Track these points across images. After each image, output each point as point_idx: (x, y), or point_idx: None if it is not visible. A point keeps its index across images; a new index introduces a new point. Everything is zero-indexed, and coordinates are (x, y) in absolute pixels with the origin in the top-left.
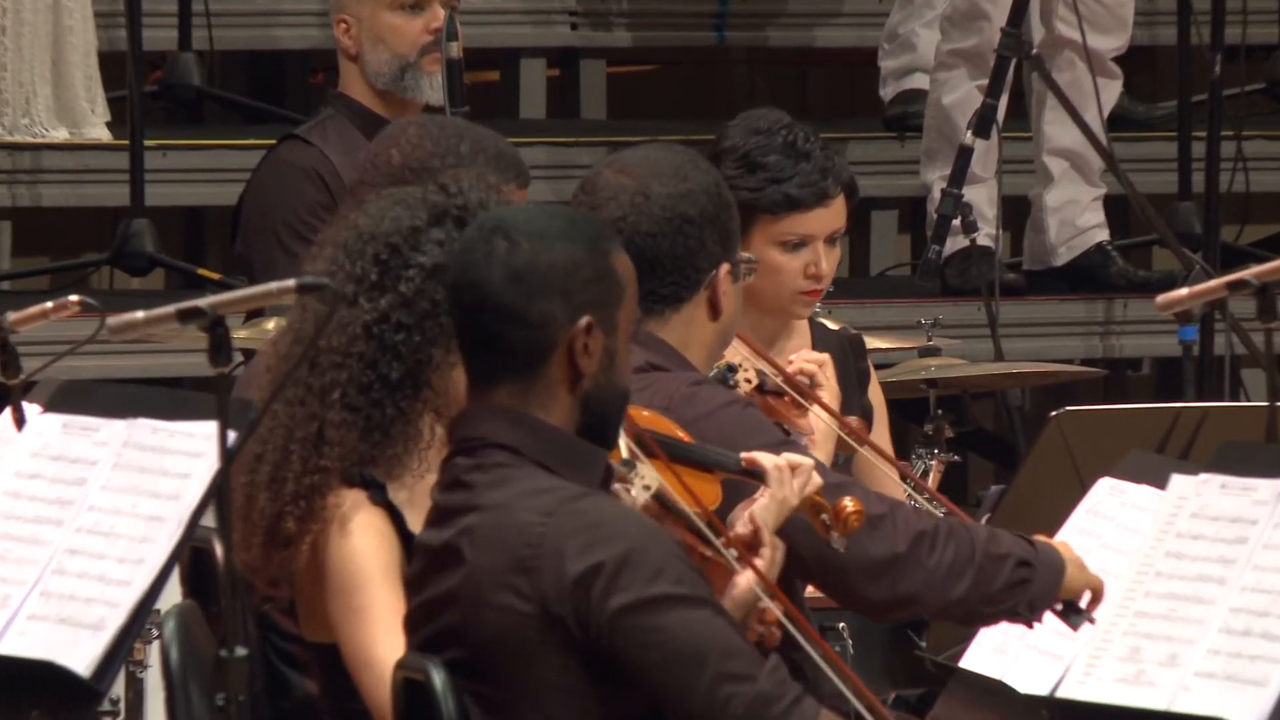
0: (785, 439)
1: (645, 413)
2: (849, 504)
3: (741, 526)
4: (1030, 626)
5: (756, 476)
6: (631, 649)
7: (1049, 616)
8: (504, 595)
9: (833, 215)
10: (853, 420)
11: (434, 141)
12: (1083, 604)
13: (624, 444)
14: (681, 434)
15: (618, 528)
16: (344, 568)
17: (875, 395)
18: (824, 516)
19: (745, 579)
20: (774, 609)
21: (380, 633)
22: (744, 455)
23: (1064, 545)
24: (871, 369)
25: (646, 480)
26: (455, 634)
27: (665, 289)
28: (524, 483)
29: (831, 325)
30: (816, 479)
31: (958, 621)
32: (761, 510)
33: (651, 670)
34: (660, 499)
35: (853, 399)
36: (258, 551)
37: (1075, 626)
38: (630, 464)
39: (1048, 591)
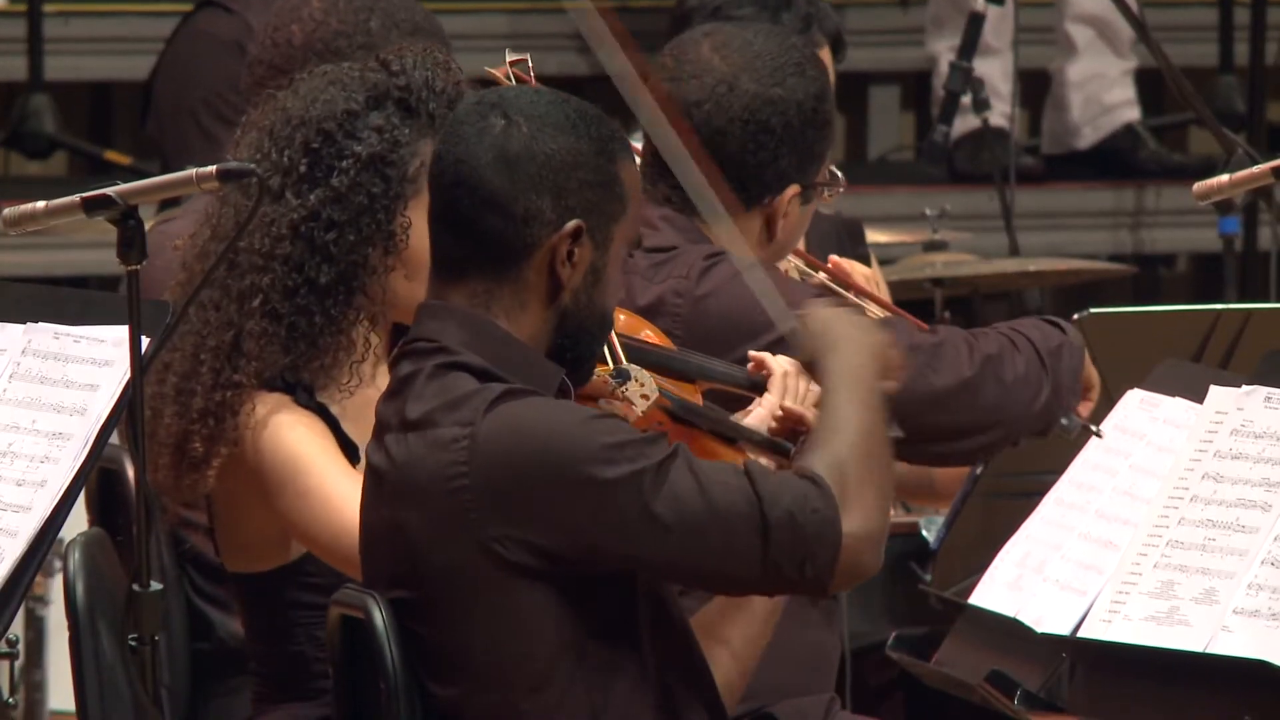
0: (822, 292)
1: (621, 317)
2: None
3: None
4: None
5: (758, 388)
6: (626, 550)
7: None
8: (436, 526)
9: None
10: None
11: (340, 18)
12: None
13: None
14: (656, 339)
15: (540, 420)
16: (275, 460)
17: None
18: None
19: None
20: None
21: (338, 501)
22: (753, 355)
23: None
24: (873, 257)
25: (645, 389)
26: (393, 575)
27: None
28: (446, 394)
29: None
30: (814, 388)
31: (1034, 435)
32: (759, 423)
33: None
34: (666, 407)
35: None
36: (166, 472)
37: (1077, 434)
38: (624, 374)
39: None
